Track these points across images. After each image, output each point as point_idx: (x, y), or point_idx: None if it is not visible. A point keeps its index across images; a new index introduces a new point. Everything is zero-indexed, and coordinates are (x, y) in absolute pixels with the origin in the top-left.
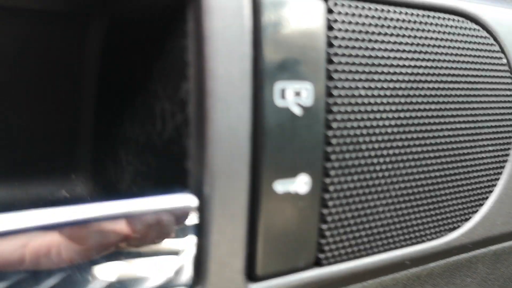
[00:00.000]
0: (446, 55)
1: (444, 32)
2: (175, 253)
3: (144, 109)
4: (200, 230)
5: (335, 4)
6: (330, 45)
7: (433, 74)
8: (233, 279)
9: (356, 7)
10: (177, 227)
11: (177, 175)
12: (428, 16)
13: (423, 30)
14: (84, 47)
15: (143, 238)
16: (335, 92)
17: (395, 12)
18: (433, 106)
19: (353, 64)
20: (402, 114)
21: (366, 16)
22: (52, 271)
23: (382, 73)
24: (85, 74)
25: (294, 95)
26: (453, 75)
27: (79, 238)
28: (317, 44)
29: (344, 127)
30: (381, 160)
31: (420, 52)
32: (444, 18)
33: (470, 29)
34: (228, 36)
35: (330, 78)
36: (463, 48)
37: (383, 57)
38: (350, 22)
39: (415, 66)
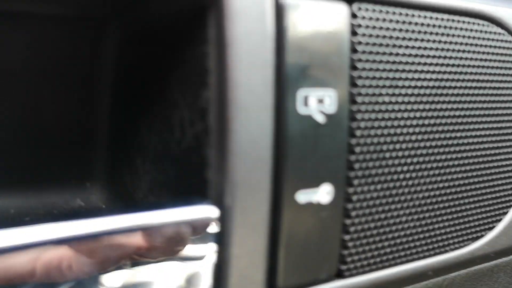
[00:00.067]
0: (471, 60)
1: (468, 37)
2: (195, 265)
3: (162, 116)
4: (221, 242)
5: (359, 9)
6: (354, 50)
7: (458, 80)
8: None
9: (380, 11)
10: (196, 238)
11: (197, 185)
12: (453, 20)
13: (447, 35)
14: (100, 53)
15: (161, 250)
16: (358, 99)
17: (419, 16)
18: (457, 113)
19: (377, 70)
20: (426, 121)
21: (390, 21)
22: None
23: (407, 79)
24: (101, 81)
25: (317, 103)
26: (478, 80)
27: (92, 251)
28: (341, 49)
29: (367, 135)
30: (405, 168)
31: (445, 57)
32: (468, 22)
33: (495, 33)
34: (250, 42)
35: (353, 84)
36: (487, 53)
37: (407, 63)
38: (374, 27)
39: (439, 72)
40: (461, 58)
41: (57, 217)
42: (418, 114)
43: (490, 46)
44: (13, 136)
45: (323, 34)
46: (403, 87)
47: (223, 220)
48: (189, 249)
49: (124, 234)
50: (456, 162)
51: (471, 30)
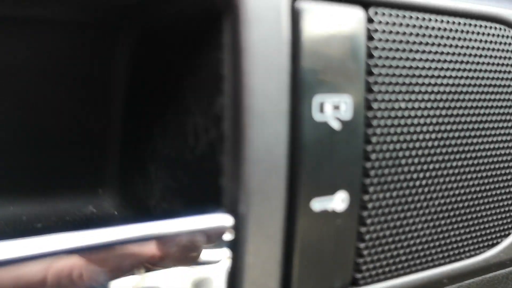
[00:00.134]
0: (488, 64)
1: (485, 41)
2: (208, 273)
3: (175, 123)
4: (235, 250)
5: (376, 13)
6: (370, 56)
7: (474, 85)
8: None
9: (397, 16)
10: (210, 247)
11: (210, 192)
12: (469, 24)
13: (464, 39)
14: (113, 59)
15: (174, 258)
16: (374, 105)
17: (436, 20)
18: (473, 118)
19: (393, 75)
20: (442, 127)
21: (407, 25)
22: None
23: (423, 84)
24: (114, 87)
25: (333, 109)
26: (495, 85)
27: (105, 260)
28: (357, 55)
29: (383, 142)
30: (421, 175)
31: (461, 61)
32: (485, 26)
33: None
34: (265, 48)
35: (369, 90)
36: (505, 57)
37: (424, 68)
38: (390, 32)
39: (456, 77)
40: (477, 63)
41: (69, 225)
42: (434, 120)
43: (507, 51)
44: (26, 143)
45: (339, 39)
46: (419, 92)
47: (237, 228)
48: (202, 257)
49: (137, 243)
50: (471, 169)
51: (488, 34)
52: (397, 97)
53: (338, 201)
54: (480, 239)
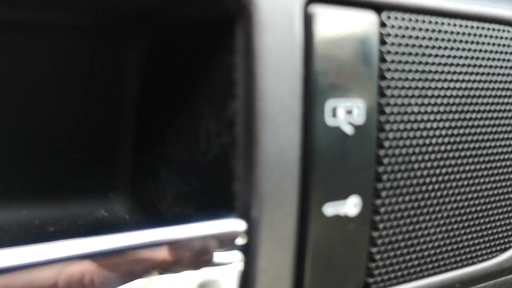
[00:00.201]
0: (501, 68)
1: (498, 44)
2: (220, 277)
3: (187, 127)
4: (247, 255)
5: (388, 18)
6: (382, 60)
7: (488, 88)
8: None
9: (410, 20)
10: (223, 251)
11: (223, 197)
12: (482, 28)
13: (476, 42)
14: (125, 62)
15: (186, 263)
16: (387, 110)
17: (449, 24)
18: (486, 122)
19: (406, 79)
20: (455, 131)
21: (420, 29)
22: None
23: (436, 88)
24: (126, 91)
25: (346, 114)
26: (508, 89)
27: (117, 265)
28: (370, 59)
29: (396, 146)
30: (433, 179)
31: (474, 65)
32: (498, 30)
33: None
34: (278, 52)
35: (382, 94)
36: None
37: (437, 72)
38: (403, 36)
39: (469, 81)
40: (490, 66)
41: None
42: (447, 124)
43: None
44: (38, 147)
45: (351, 43)
46: (432, 96)
47: (250, 233)
48: (215, 262)
49: (149, 249)
50: (484, 173)
51: (501, 37)
52: (410, 101)
53: (351, 206)
54: (492, 243)
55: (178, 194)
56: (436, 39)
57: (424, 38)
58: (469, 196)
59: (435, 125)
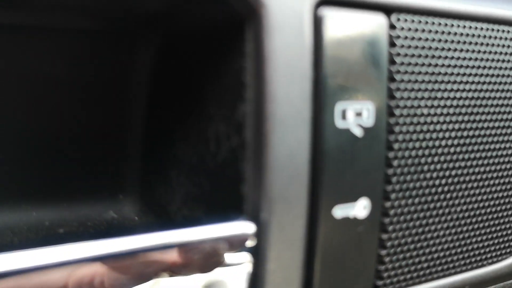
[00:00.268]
0: (511, 69)
1: (508, 46)
2: (230, 279)
3: (197, 129)
4: (257, 257)
5: (398, 20)
6: (392, 62)
7: (497, 90)
8: None
9: (419, 22)
10: (232, 254)
11: (232, 199)
12: (492, 30)
13: (487, 44)
14: (135, 65)
15: (196, 266)
16: (397, 112)
17: (458, 26)
18: (496, 124)
19: (416, 81)
20: (465, 133)
21: (429, 31)
22: None
23: (446, 90)
24: (135, 93)
25: (355, 116)
26: None
27: (127, 267)
28: (379, 61)
29: (405, 148)
30: (443, 181)
31: (485, 67)
32: (508, 31)
33: None
34: (288, 55)
35: (392, 97)
36: None
37: (446, 74)
38: (413, 38)
39: (479, 83)
40: (501, 68)
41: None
42: (456, 126)
43: None
44: (48, 149)
45: (361, 45)
46: (441, 98)
47: (259, 235)
48: (224, 265)
49: (160, 251)
50: (493, 175)
51: (510, 39)
52: (419, 103)
53: (360, 208)
54: (502, 245)
55: (187, 196)
56: (446, 41)
57: (433, 40)
58: (479, 198)
59: (444, 127)
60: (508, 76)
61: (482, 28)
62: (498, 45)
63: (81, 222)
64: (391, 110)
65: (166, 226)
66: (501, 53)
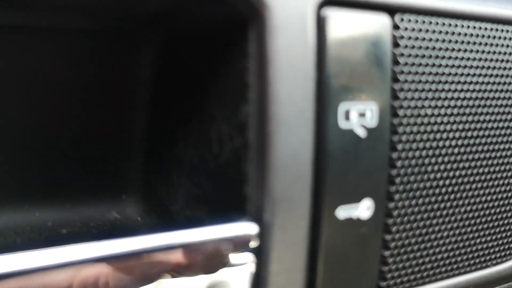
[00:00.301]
0: None
1: None
2: (232, 280)
3: (199, 130)
4: (259, 258)
5: (401, 20)
6: (395, 62)
7: (502, 90)
8: None
9: (423, 22)
10: (235, 255)
11: (235, 200)
12: (496, 30)
13: (491, 45)
14: (137, 65)
15: (200, 267)
16: (400, 112)
17: (462, 26)
18: (501, 124)
19: (419, 82)
20: (469, 134)
21: (433, 31)
22: None
23: (450, 90)
24: (137, 93)
25: (358, 116)
26: None
27: (131, 268)
28: (383, 62)
29: (409, 149)
30: (447, 182)
31: (489, 67)
32: None
33: None
34: (291, 56)
35: (395, 97)
36: None
37: (450, 74)
38: (416, 38)
39: (483, 83)
40: (504, 68)
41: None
42: (460, 127)
43: None
44: (51, 149)
45: (364, 46)
46: (445, 99)
47: (262, 236)
48: (226, 266)
49: (163, 252)
50: (497, 175)
51: None
52: (423, 103)
53: (363, 209)
54: (506, 246)
55: (190, 196)
56: (450, 41)
57: (437, 40)
58: (483, 198)
59: (448, 127)
60: None
61: (486, 28)
62: (502, 45)
63: (84, 222)
64: (395, 110)
65: (169, 227)
66: (505, 53)
